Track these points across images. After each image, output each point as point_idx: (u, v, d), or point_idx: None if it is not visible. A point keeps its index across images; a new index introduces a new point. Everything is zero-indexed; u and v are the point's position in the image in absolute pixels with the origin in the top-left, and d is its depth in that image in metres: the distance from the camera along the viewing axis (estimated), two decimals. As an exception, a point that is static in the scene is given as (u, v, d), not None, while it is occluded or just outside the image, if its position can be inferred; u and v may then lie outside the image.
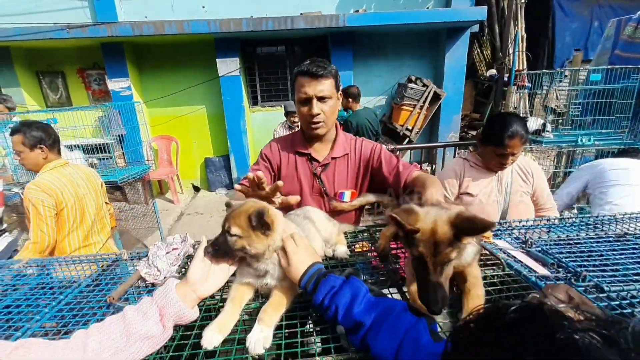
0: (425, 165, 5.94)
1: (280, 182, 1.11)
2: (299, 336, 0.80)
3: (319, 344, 0.83)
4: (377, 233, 1.32)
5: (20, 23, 5.30)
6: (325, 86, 1.42)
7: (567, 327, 0.33)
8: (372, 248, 1.22)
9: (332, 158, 1.57)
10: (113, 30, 5.16)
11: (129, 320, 0.75)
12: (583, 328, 0.32)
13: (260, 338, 0.76)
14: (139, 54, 6.18)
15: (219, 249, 0.88)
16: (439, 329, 0.72)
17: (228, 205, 0.95)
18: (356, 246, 1.29)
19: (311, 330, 0.88)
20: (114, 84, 5.92)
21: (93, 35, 5.20)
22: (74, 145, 3.65)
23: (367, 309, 0.71)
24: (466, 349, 0.39)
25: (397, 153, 4.37)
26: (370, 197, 1.55)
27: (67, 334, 0.93)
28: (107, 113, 4.18)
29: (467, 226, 0.75)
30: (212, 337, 0.77)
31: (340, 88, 1.56)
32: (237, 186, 1.47)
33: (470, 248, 0.89)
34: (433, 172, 5.89)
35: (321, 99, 1.43)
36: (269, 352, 0.76)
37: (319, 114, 1.44)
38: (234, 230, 0.85)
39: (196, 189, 7.00)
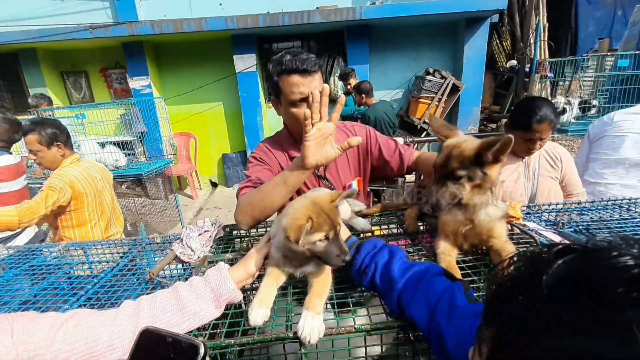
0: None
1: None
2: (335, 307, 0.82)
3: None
4: (402, 216, 1.32)
5: (46, 25, 5.50)
6: (317, 81, 1.30)
7: None
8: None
9: None
10: (134, 29, 5.30)
11: (183, 299, 0.79)
12: None
13: (314, 326, 0.73)
14: (159, 52, 6.33)
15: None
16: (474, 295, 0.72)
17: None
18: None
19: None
20: (135, 83, 6.08)
21: (115, 35, 5.34)
22: (105, 142, 3.78)
23: (403, 269, 0.72)
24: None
25: (416, 146, 4.35)
26: (391, 204, 1.48)
27: (112, 306, 0.98)
28: (129, 110, 4.31)
29: (488, 143, 0.80)
30: (258, 313, 0.78)
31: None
32: (245, 191, 1.32)
33: (493, 209, 0.91)
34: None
35: None
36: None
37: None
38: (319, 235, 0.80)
39: (214, 184, 7.12)
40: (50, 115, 3.65)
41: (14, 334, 0.64)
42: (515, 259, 0.37)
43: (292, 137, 1.49)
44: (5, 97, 6.46)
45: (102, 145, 3.58)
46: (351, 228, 1.19)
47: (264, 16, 5.23)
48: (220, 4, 5.97)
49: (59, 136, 2.09)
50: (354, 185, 1.56)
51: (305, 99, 1.29)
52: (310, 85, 1.29)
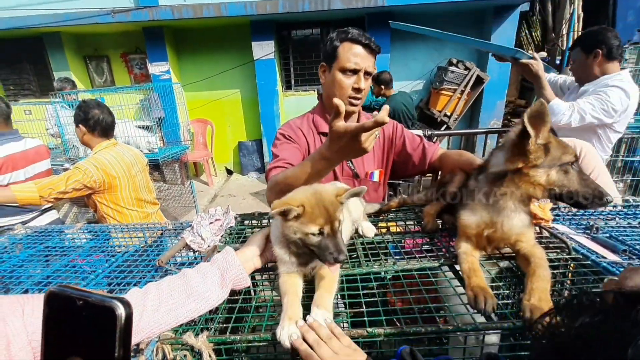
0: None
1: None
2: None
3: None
4: (420, 212, 1.25)
5: (70, 8, 5.58)
6: (372, 62, 1.33)
7: None
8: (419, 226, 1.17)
9: None
10: (154, 13, 5.31)
11: (190, 279, 0.77)
12: None
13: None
14: (178, 38, 6.34)
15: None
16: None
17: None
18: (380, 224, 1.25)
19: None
20: (155, 68, 6.13)
21: (136, 20, 5.37)
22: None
23: None
24: None
25: (435, 139, 4.21)
26: (409, 200, 1.38)
27: (120, 292, 0.97)
28: (148, 96, 4.34)
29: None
30: (291, 330, 0.70)
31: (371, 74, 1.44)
32: (275, 171, 1.26)
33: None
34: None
35: (367, 74, 1.33)
36: None
37: (363, 89, 1.34)
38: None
39: (229, 172, 7.17)
40: (74, 99, 3.73)
41: (24, 314, 0.65)
42: (587, 304, 0.25)
43: (325, 112, 1.48)
44: (31, 80, 6.65)
45: (144, 127, 3.62)
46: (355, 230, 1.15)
47: (284, 2, 5.13)
48: (240, -11, 5.89)
49: (84, 121, 2.22)
50: (376, 174, 1.54)
51: (355, 72, 1.31)
52: (366, 61, 1.30)
